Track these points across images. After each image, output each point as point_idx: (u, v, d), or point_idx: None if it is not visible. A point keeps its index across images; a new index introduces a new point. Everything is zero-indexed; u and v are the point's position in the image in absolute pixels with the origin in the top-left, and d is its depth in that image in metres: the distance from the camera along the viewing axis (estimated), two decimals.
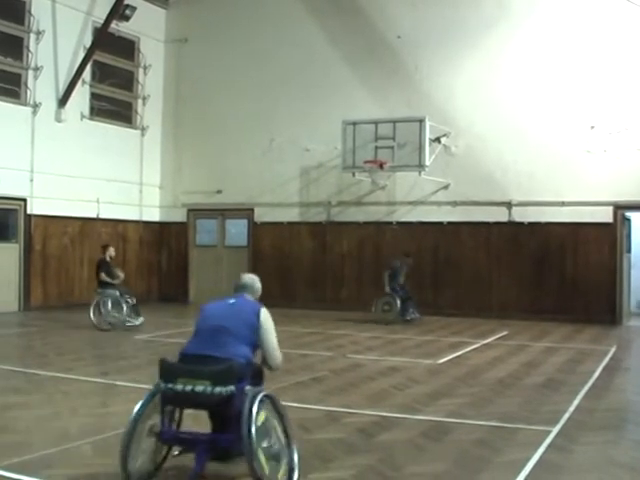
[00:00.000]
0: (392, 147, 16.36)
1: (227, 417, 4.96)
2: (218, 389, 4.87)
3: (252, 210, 19.61)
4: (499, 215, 17.14)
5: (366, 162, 16.40)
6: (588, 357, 11.54)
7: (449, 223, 17.56)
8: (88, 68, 18.24)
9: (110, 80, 19.32)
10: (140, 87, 20.10)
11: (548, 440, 6.58)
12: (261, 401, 4.98)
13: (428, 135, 16.21)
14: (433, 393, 8.62)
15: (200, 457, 5.03)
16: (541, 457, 6.11)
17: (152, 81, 20.33)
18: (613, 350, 12.23)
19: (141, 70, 20.15)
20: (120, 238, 19.39)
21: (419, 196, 17.84)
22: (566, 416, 7.45)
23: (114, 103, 19.53)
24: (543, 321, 15.99)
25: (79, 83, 17.93)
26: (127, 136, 19.69)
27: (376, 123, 16.62)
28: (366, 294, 18.20)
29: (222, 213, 20.12)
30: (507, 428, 7.03)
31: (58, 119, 17.80)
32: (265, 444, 4.95)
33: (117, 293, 13.92)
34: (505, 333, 14.37)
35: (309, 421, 7.18)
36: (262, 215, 19.50)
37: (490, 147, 17.18)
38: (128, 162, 19.61)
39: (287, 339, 13.49)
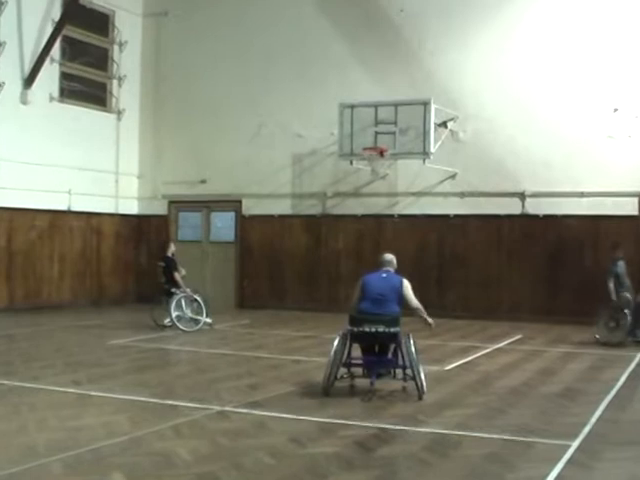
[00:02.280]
0: (394, 132, 16.34)
1: (388, 346, 8.90)
2: (391, 329, 8.73)
3: (240, 202, 19.55)
4: (511, 207, 17.11)
5: (365, 149, 16.36)
6: (611, 363, 11.50)
7: (456, 216, 17.52)
8: (57, 44, 18.13)
9: (82, 58, 19.21)
10: (115, 66, 20.00)
11: (567, 455, 6.53)
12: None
13: (433, 119, 16.17)
14: (439, 403, 8.59)
15: (373, 373, 8.88)
16: (559, 474, 6.06)
17: (128, 59, 20.24)
18: (639, 356, 12.18)
19: (116, 47, 20.05)
20: (94, 233, 19.33)
21: (423, 186, 17.79)
22: (587, 429, 7.41)
23: (86, 84, 19.43)
24: (560, 324, 15.93)
25: (47, 61, 17.81)
26: (101, 120, 19.60)
27: (376, 106, 16.58)
28: None
29: (207, 205, 20.06)
30: (521, 442, 6.98)
31: (24, 101, 17.70)
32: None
33: (190, 291, 14.67)
34: (518, 337, 14.35)
35: (302, 434, 7.13)
36: (251, 207, 19.44)
37: (501, 132, 17.13)
38: (102, 149, 19.52)
39: (277, 343, 13.47)
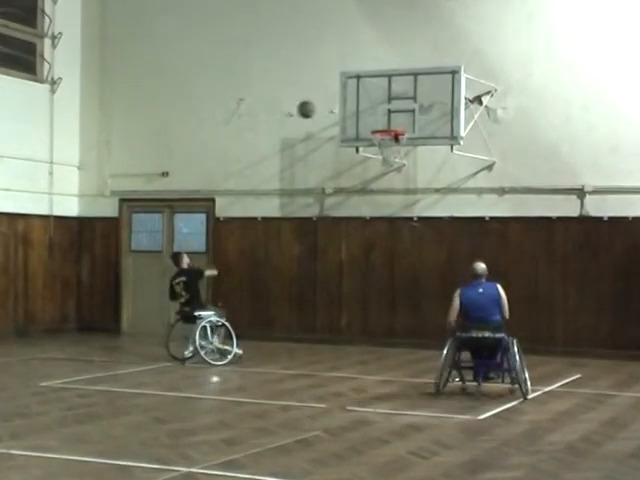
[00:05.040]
0: (412, 110, 16.37)
1: (496, 351, 12.13)
2: (496, 335, 12.10)
3: (212, 201, 19.55)
4: (567, 207, 17.10)
5: (375, 132, 16.34)
6: None
7: (494, 219, 17.51)
8: None
9: (1, 9, 19.12)
10: (48, 21, 19.96)
11: None
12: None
13: (464, 93, 16.18)
14: (471, 463, 8.54)
15: (480, 374, 12.17)
16: None
17: (66, 12, 20.19)
18: None
19: None
20: (20, 241, 19.25)
21: (450, 181, 17.80)
22: None
23: (8, 44, 19.39)
24: (632, 360, 15.94)
25: None
26: (29, 93, 19.56)
27: (389, 76, 16.62)
28: (375, 320, 18.14)
29: (169, 205, 20.05)
30: None
31: None
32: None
33: (215, 315, 15.53)
34: (576, 377, 14.34)
35: None
36: (227, 208, 19.44)
37: (554, 109, 17.12)
38: (31, 131, 19.45)
39: (261, 384, 13.45)
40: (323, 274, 18.66)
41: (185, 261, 15.95)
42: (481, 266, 12.66)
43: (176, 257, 16.17)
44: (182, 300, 15.57)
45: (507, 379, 12.28)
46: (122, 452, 8.77)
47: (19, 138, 19.11)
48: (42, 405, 11.51)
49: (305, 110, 15.89)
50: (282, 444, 9.16)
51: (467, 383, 12.41)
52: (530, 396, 12.33)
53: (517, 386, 12.12)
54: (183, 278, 15.64)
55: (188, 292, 15.53)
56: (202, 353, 14.98)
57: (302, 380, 13.89)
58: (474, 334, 12.16)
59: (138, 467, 8.15)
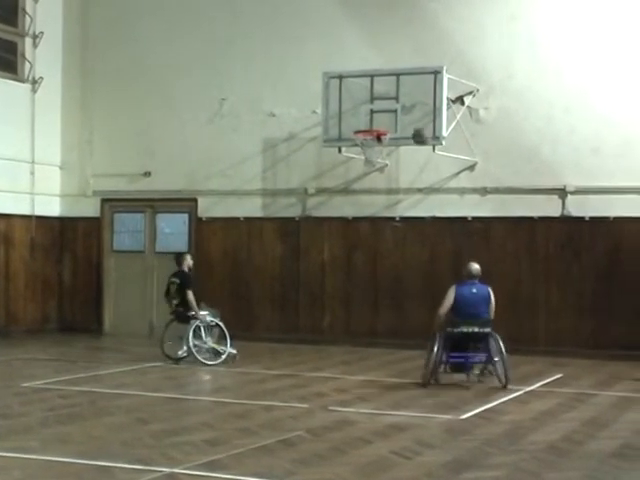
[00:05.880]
0: (395, 111, 16.40)
1: (483, 345, 12.95)
2: (484, 329, 12.92)
3: (195, 201, 19.53)
4: (548, 207, 17.13)
5: (357, 132, 16.35)
6: None
7: (476, 219, 17.53)
8: None
9: None
10: (28, 20, 19.87)
11: None
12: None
13: (446, 93, 16.18)
14: (454, 463, 8.54)
15: (469, 368, 13.04)
16: None
17: (47, 11, 20.10)
18: None
19: None
20: (1, 241, 19.19)
21: (433, 181, 17.80)
22: None
23: None
24: (613, 360, 15.97)
25: None
26: (10, 92, 19.47)
27: (372, 76, 16.65)
28: (357, 321, 18.14)
29: (152, 205, 20.00)
30: None
31: None
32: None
33: (209, 315, 15.52)
34: (557, 376, 14.38)
35: None
36: (209, 208, 19.41)
37: (536, 110, 17.15)
38: (12, 130, 19.35)
39: (244, 384, 13.45)
40: (305, 274, 18.66)
41: (186, 263, 15.95)
42: (476, 267, 13.41)
43: (179, 257, 16.12)
44: (175, 302, 15.61)
45: (477, 370, 13.21)
46: (104, 453, 8.74)
47: (0, 138, 19.04)
48: (24, 406, 11.46)
49: (419, 137, 15.77)
50: (264, 444, 9.15)
51: (455, 377, 13.22)
52: (511, 395, 12.41)
53: (492, 375, 13.06)
54: (177, 280, 15.63)
55: (180, 294, 15.52)
56: (196, 353, 15.03)
57: (284, 380, 13.89)
58: (464, 329, 12.94)
59: (120, 468, 8.12)
